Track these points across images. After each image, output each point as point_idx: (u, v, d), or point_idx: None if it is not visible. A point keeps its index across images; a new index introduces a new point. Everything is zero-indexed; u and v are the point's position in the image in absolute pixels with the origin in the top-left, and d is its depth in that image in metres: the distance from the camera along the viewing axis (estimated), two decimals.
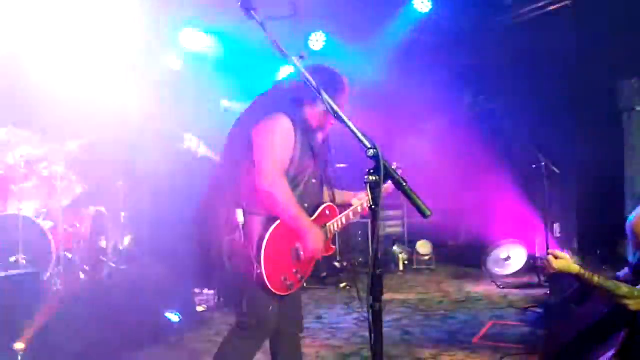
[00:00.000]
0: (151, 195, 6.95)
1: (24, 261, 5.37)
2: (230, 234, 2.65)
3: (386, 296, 6.34)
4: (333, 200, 2.99)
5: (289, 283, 2.74)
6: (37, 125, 6.10)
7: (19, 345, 4.18)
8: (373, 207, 1.70)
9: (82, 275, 5.86)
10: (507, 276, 7.04)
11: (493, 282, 6.91)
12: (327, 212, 2.96)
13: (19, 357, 4.13)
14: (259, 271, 2.59)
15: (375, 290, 1.64)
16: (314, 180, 2.87)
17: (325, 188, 3.01)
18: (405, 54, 7.84)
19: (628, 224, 3.15)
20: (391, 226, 8.75)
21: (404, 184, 1.73)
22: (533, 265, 6.94)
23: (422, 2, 7.08)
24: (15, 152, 5.91)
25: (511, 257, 7.09)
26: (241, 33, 6.48)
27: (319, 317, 5.74)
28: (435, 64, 8.01)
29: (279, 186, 2.62)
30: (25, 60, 6.92)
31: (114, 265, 6.39)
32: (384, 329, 4.96)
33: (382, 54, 7.84)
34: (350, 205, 3.05)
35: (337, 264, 7.87)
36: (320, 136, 2.92)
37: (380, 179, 1.68)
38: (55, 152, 6.20)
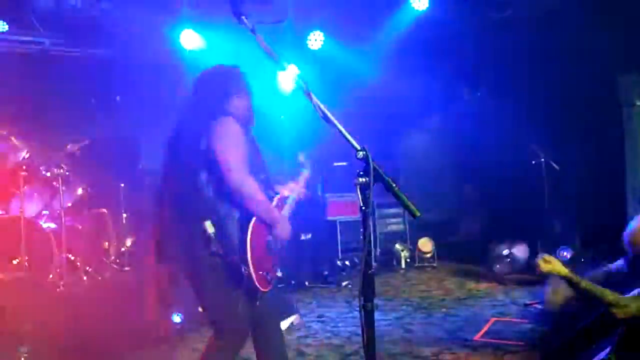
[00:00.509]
0: (153, 196, 6.98)
1: (26, 263, 5.40)
2: (205, 249, 2.67)
3: (388, 294, 6.41)
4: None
5: (269, 277, 2.83)
6: (38, 128, 6.13)
7: (23, 347, 4.22)
8: (363, 208, 1.71)
9: (84, 277, 5.88)
10: (509, 273, 7.03)
11: (495, 279, 6.90)
12: (279, 204, 3.09)
13: (23, 359, 4.16)
14: (247, 273, 2.64)
15: (367, 289, 1.65)
16: (262, 176, 2.95)
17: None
18: (403, 51, 7.83)
19: (626, 233, 3.18)
20: (393, 224, 8.75)
21: (394, 186, 1.74)
22: (534, 262, 6.92)
23: (419, 0, 7.07)
24: (17, 154, 5.94)
25: (512, 254, 7.08)
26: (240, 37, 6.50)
27: (320, 316, 5.76)
28: (433, 61, 8.01)
29: (250, 183, 2.68)
30: (28, 60, 6.99)
31: (116, 266, 6.43)
32: (386, 327, 5.00)
33: (380, 53, 7.84)
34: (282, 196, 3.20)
35: (338, 263, 7.90)
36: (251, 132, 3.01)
37: (370, 180, 1.69)
38: (56, 154, 6.23)
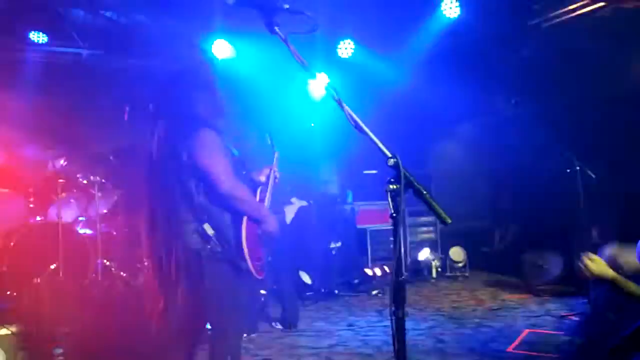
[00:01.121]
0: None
1: (63, 268, 5.52)
2: (203, 247, 2.83)
3: (419, 303, 6.36)
4: None
5: (262, 267, 3.07)
6: (76, 135, 6.28)
7: (57, 350, 4.31)
8: (394, 215, 1.71)
9: (119, 283, 5.98)
10: (544, 283, 6.91)
11: (529, 289, 6.79)
12: (262, 195, 3.35)
13: None
14: (246, 266, 2.89)
15: (398, 297, 1.64)
16: (243, 172, 3.19)
17: None
18: (434, 59, 7.80)
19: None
20: (424, 232, 8.68)
21: (425, 192, 1.73)
22: (571, 272, 6.79)
23: (451, 8, 7.03)
24: (55, 162, 6.10)
25: (548, 264, 6.96)
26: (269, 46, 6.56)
27: (351, 325, 5.74)
28: (465, 68, 7.94)
29: (238, 187, 2.88)
30: (66, 70, 7.18)
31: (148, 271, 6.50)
32: (417, 337, 4.96)
33: (411, 60, 7.82)
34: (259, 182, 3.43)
35: (368, 271, 7.86)
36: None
37: (400, 187, 1.69)
38: (93, 161, 6.38)
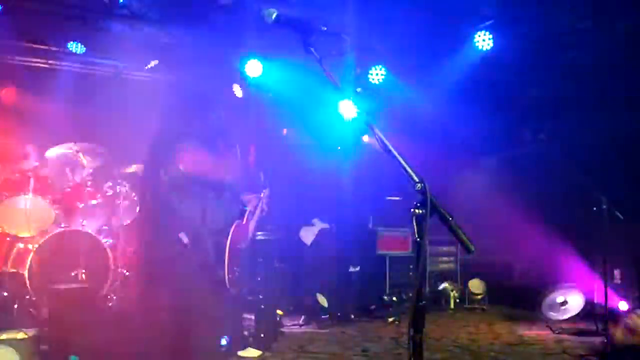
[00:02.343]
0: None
1: (83, 275, 5.59)
2: (180, 258, 3.00)
3: (435, 334, 6.29)
4: None
5: (235, 278, 3.27)
6: (104, 146, 6.40)
7: (73, 358, 4.34)
8: (418, 239, 1.72)
9: (137, 293, 6.02)
10: (563, 321, 6.79)
11: (548, 326, 6.68)
12: (248, 217, 3.57)
13: None
14: (222, 275, 3.08)
15: (417, 321, 1.65)
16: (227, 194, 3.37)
17: None
18: (465, 90, 7.82)
19: None
20: (444, 262, 8.63)
21: (450, 219, 1.74)
22: (590, 312, 6.68)
23: (484, 40, 7.06)
24: (83, 171, 6.22)
25: (568, 302, 6.85)
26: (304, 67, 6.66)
27: (365, 350, 5.69)
28: (495, 101, 7.95)
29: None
30: (99, 82, 7.35)
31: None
32: None
33: (441, 90, 7.85)
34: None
35: (386, 298, 7.81)
36: None
37: (426, 212, 1.71)
38: (120, 172, 6.49)
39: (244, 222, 3.34)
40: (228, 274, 2.96)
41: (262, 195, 3.69)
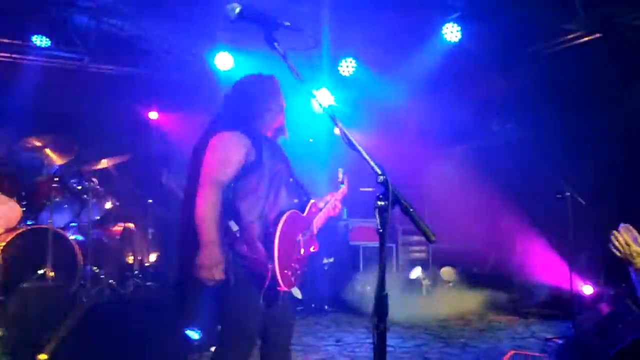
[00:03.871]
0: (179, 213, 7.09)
1: (51, 274, 5.49)
2: (230, 249, 2.71)
3: (406, 322, 6.37)
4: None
5: (294, 278, 2.84)
6: (72, 141, 6.30)
7: (42, 357, 4.29)
8: (380, 230, 1.75)
9: (107, 290, 5.97)
10: (531, 306, 6.95)
11: (516, 311, 6.83)
12: (313, 209, 3.12)
13: None
14: (272, 270, 2.65)
15: (381, 310, 1.68)
16: (291, 179, 3.02)
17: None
18: (433, 81, 7.90)
19: None
20: (415, 251, 8.72)
21: (411, 210, 1.78)
22: (557, 296, 6.85)
23: (452, 32, 7.13)
24: (50, 166, 6.11)
25: (535, 287, 7.01)
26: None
27: (338, 340, 5.75)
28: (463, 91, 8.05)
29: (205, 198, 2.69)
30: (66, 77, 7.23)
31: (139, 281, 6.51)
32: (404, 355, 4.96)
33: (410, 82, 7.91)
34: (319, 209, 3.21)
35: (359, 288, 7.87)
36: (279, 139, 3.11)
37: (388, 204, 1.74)
38: (88, 168, 6.39)
39: (305, 214, 3.04)
40: (281, 270, 2.67)
41: (338, 193, 3.41)
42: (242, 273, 2.72)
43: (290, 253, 2.81)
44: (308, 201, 3.07)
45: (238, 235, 2.70)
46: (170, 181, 5.87)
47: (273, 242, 2.66)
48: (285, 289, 2.76)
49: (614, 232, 2.88)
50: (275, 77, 3.08)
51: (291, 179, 3.01)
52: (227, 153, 2.78)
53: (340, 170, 3.50)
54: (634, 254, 2.81)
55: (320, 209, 3.18)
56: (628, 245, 2.83)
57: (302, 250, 2.91)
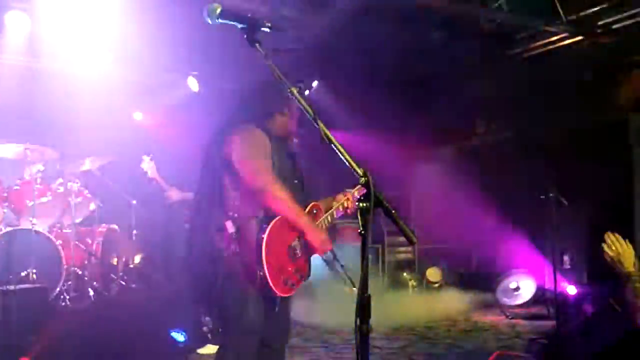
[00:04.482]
0: (164, 214, 7.02)
1: (34, 276, 5.44)
2: (226, 249, 2.68)
3: (393, 323, 6.37)
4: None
5: (290, 283, 2.77)
6: (54, 142, 6.23)
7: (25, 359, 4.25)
8: (362, 232, 1.74)
9: (91, 292, 5.91)
10: (516, 306, 6.99)
11: (502, 312, 6.87)
12: (315, 211, 3.03)
13: None
14: (261, 273, 2.61)
15: (363, 312, 1.68)
16: (295, 181, 2.97)
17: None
18: (421, 81, 7.94)
19: None
20: (402, 252, 8.74)
21: (393, 212, 1.77)
22: (542, 296, 6.91)
23: None
24: (31, 168, 6.04)
25: (520, 288, 7.06)
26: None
27: (325, 342, 5.74)
28: (448, 93, 8.09)
29: (274, 184, 2.68)
30: (45, 77, 7.13)
31: (123, 282, 6.46)
32: (390, 356, 4.96)
33: (395, 82, 7.93)
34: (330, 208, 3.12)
35: (347, 289, 7.86)
36: (290, 142, 3.08)
37: (370, 205, 1.73)
38: (71, 169, 6.33)
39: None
40: (271, 271, 2.62)
41: (353, 191, 3.23)
42: (237, 271, 2.69)
43: (282, 258, 2.74)
44: (309, 204, 3.01)
45: (234, 236, 2.67)
46: (150, 168, 5.77)
47: (261, 248, 2.61)
48: (281, 294, 2.72)
49: (607, 233, 2.86)
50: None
51: (296, 181, 2.98)
52: (259, 147, 2.78)
53: (361, 168, 3.33)
54: (625, 254, 2.78)
55: (323, 212, 3.08)
56: (619, 243, 2.80)
57: (299, 254, 2.82)
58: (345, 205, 3.13)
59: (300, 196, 2.92)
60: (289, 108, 2.98)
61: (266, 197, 2.67)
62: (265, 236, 2.63)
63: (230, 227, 2.67)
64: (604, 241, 2.88)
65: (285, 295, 2.77)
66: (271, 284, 2.63)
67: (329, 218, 3.05)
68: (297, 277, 2.82)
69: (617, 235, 2.85)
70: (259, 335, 2.81)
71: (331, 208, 3.10)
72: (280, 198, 2.68)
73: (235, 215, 2.71)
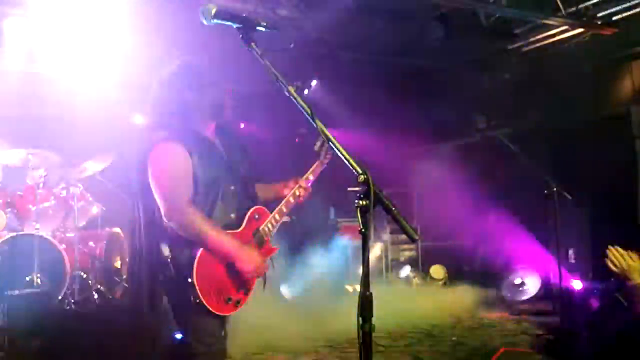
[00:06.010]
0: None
1: (39, 280, 5.44)
2: (162, 272, 2.55)
3: (397, 321, 6.36)
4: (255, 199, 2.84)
5: (234, 301, 2.61)
6: (56, 147, 6.23)
7: None
8: (363, 231, 1.72)
9: (95, 295, 5.92)
10: (521, 302, 6.97)
11: (507, 308, 6.85)
12: (257, 216, 2.78)
13: None
14: (197, 301, 2.48)
15: (365, 311, 1.66)
16: (232, 187, 2.70)
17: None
18: (419, 78, 7.92)
19: None
20: (405, 250, 8.72)
21: (393, 209, 1.76)
22: (547, 292, 6.88)
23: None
24: (34, 173, 6.04)
25: (525, 284, 7.04)
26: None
27: (330, 341, 5.72)
28: (448, 89, 8.06)
29: (189, 216, 2.50)
30: (44, 82, 7.13)
31: (127, 285, 6.45)
32: (395, 354, 4.94)
33: (395, 78, 7.92)
34: (282, 197, 2.93)
35: (349, 288, 7.86)
36: (215, 138, 2.77)
37: (370, 203, 1.71)
38: (73, 173, 6.33)
39: (242, 229, 2.74)
40: (208, 297, 2.53)
41: (308, 173, 3.06)
42: (177, 297, 2.58)
43: (220, 279, 2.57)
44: (248, 210, 2.74)
45: (169, 260, 2.51)
46: None
47: (192, 273, 2.46)
48: (226, 313, 2.60)
49: (609, 247, 2.82)
50: (190, 59, 2.74)
51: (232, 187, 2.70)
52: (174, 168, 2.57)
53: (318, 142, 3.07)
54: (631, 269, 2.75)
55: (268, 213, 2.85)
56: (623, 257, 2.76)
57: (239, 270, 2.61)
58: (297, 193, 2.93)
59: (236, 204, 2.71)
60: (204, 91, 2.65)
61: (182, 231, 2.50)
62: (195, 262, 2.47)
63: (165, 250, 2.53)
64: (607, 256, 2.85)
65: (228, 313, 2.63)
66: (211, 308, 2.50)
67: (277, 216, 2.85)
68: (241, 294, 2.65)
69: (619, 249, 2.80)
70: (222, 346, 2.70)
71: (281, 198, 2.92)
72: (195, 231, 2.49)
73: (168, 240, 2.54)
